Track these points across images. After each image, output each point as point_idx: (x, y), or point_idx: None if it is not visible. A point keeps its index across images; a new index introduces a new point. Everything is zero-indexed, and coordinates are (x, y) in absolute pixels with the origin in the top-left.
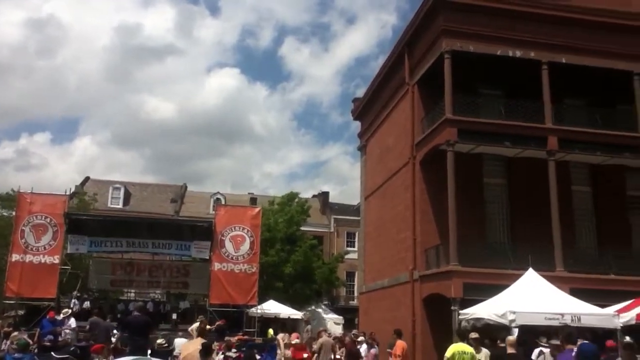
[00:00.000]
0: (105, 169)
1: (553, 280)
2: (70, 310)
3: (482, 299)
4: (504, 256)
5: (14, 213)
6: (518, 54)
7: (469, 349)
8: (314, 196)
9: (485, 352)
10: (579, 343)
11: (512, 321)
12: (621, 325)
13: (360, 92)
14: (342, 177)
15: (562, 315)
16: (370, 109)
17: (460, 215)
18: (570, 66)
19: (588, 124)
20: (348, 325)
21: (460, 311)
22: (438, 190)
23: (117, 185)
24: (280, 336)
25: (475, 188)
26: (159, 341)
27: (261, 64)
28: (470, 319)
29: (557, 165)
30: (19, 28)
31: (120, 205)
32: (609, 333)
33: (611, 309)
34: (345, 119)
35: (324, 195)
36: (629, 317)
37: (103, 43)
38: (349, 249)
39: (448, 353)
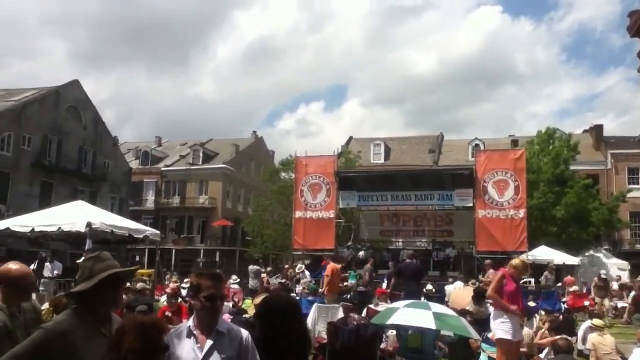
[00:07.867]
0: (371, 129)
1: None
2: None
3: None
4: None
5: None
6: None
7: None
8: (585, 131)
9: None
10: None
11: None
12: None
13: None
14: (623, 107)
15: None
16: None
17: None
18: None
19: None
20: (635, 271)
21: None
22: None
23: (378, 142)
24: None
25: None
26: (428, 287)
27: None
28: None
29: None
30: (292, 10)
31: (382, 161)
32: None
33: None
34: (627, 40)
35: (598, 129)
36: None
37: (362, 11)
38: (631, 186)
39: None
